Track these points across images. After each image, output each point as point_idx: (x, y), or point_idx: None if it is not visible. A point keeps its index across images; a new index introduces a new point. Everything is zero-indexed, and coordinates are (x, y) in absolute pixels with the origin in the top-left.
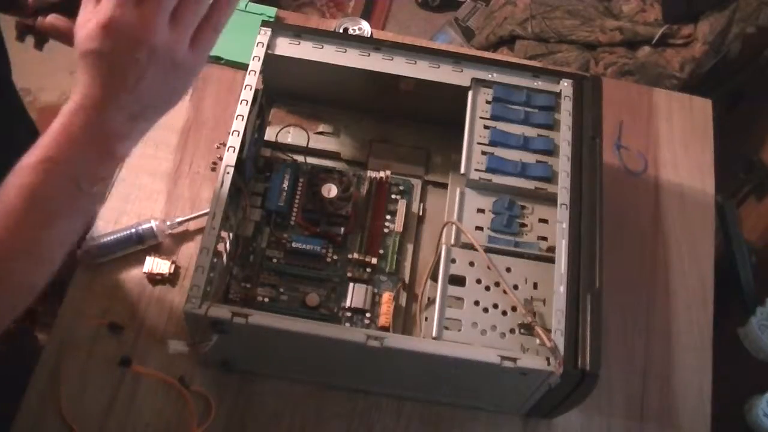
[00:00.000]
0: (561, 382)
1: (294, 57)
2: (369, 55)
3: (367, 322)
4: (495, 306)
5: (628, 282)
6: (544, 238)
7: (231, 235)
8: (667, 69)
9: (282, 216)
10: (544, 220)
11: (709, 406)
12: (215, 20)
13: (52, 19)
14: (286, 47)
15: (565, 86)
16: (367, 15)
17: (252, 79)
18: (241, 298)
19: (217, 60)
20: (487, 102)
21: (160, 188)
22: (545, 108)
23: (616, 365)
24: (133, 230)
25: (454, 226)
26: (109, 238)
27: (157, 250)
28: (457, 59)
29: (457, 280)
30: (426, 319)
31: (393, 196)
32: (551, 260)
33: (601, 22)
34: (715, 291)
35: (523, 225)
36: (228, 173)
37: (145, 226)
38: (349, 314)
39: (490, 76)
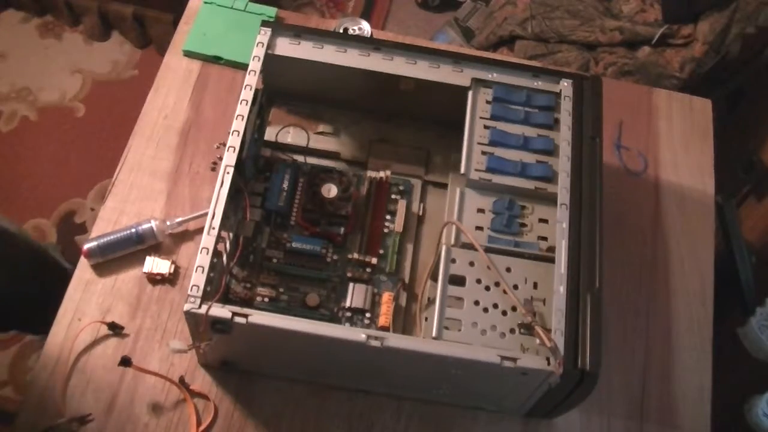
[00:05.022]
0: (561, 382)
1: (294, 57)
2: (369, 55)
3: (367, 322)
4: (495, 306)
5: (628, 282)
6: (544, 238)
7: (231, 235)
8: (667, 69)
9: (282, 216)
10: (544, 220)
11: (709, 406)
12: None
13: None
14: (286, 47)
15: (565, 86)
16: (367, 15)
17: (252, 79)
18: (241, 298)
19: (217, 60)
20: (487, 102)
21: (160, 188)
22: (545, 108)
23: (616, 365)
24: (133, 230)
25: (454, 226)
26: (109, 238)
27: (157, 250)
28: (457, 59)
29: (457, 280)
30: (426, 319)
31: (393, 196)
32: (551, 260)
33: (601, 22)
34: (715, 291)
35: (523, 225)
36: (228, 173)
37: (145, 226)
38: (349, 314)
39: (490, 76)
